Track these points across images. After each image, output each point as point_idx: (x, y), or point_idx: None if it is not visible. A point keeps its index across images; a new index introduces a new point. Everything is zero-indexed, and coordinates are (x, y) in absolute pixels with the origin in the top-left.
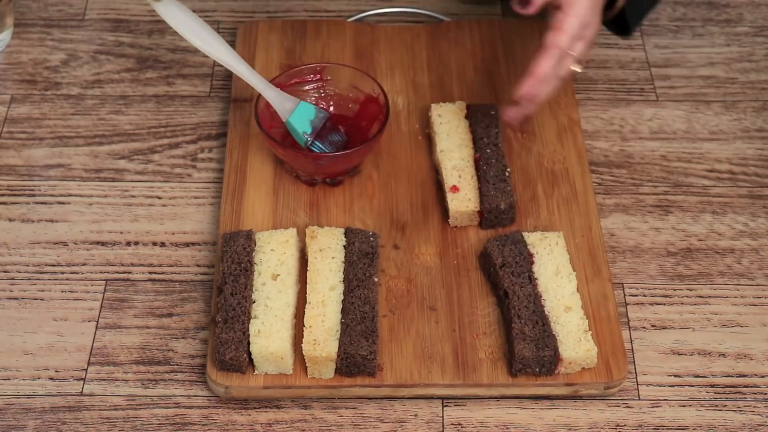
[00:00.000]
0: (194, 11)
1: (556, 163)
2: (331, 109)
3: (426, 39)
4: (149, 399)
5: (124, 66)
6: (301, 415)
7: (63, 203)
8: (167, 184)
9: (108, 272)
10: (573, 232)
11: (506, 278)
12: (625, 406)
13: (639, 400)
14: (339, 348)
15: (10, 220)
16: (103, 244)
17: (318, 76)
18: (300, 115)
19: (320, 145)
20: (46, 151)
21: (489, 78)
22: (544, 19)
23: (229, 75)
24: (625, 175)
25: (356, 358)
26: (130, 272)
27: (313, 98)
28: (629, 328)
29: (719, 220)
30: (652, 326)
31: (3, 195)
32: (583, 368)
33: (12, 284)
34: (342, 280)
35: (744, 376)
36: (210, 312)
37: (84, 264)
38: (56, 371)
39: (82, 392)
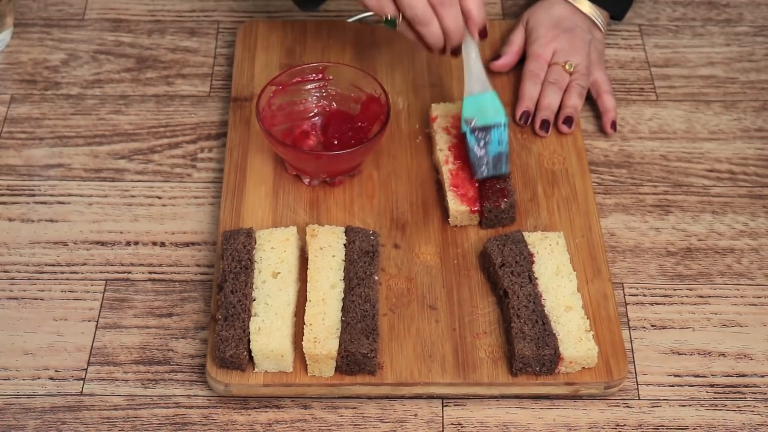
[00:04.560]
0: (194, 11)
1: (556, 163)
2: (334, 105)
3: None
4: (149, 399)
5: (124, 66)
6: (301, 415)
7: (63, 203)
8: (167, 183)
9: (108, 272)
10: (573, 232)
11: (506, 278)
12: (625, 405)
13: (639, 399)
14: (339, 346)
15: (10, 220)
16: (103, 244)
17: (320, 76)
18: (476, 102)
19: (474, 141)
20: (46, 151)
21: (489, 78)
22: None
23: (229, 75)
24: (625, 175)
25: (357, 356)
26: (130, 272)
27: (315, 97)
28: (629, 328)
29: (719, 220)
30: (652, 326)
31: (3, 195)
32: (584, 368)
33: (12, 284)
34: (342, 278)
35: (744, 375)
36: (210, 312)
37: (84, 264)
38: (56, 371)
39: (82, 392)
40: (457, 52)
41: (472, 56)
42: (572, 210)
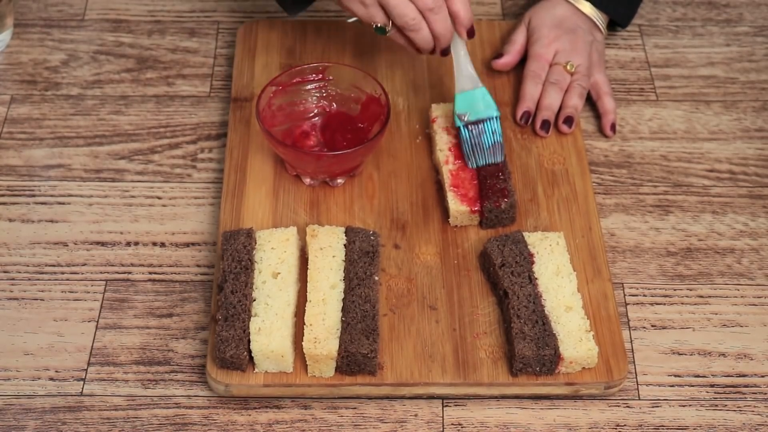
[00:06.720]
0: (194, 11)
1: (556, 163)
2: (334, 106)
3: None
4: (149, 399)
5: (124, 66)
6: (301, 415)
7: (63, 203)
8: (167, 184)
9: (108, 272)
10: (573, 233)
11: (506, 278)
12: (625, 406)
13: (639, 400)
14: (339, 346)
15: (10, 220)
16: (103, 244)
17: (320, 76)
18: (468, 98)
19: (467, 134)
20: (46, 152)
21: (489, 78)
22: None
23: (229, 75)
24: (625, 175)
25: (357, 356)
26: (130, 272)
27: (315, 98)
28: (629, 328)
29: (719, 220)
30: (652, 326)
31: (3, 195)
32: (584, 368)
33: (12, 284)
34: (342, 278)
35: (744, 375)
36: (210, 312)
37: (84, 264)
38: (56, 371)
39: (82, 392)
40: (445, 52)
41: (461, 54)
42: (572, 210)
